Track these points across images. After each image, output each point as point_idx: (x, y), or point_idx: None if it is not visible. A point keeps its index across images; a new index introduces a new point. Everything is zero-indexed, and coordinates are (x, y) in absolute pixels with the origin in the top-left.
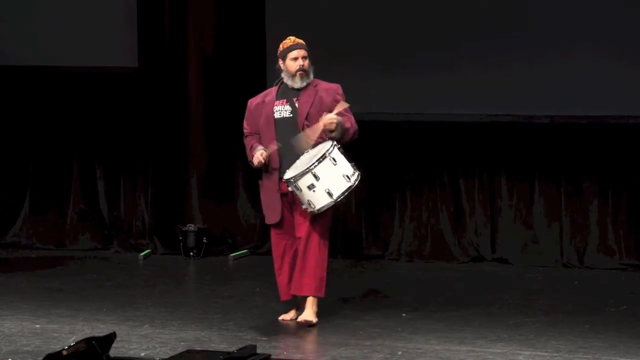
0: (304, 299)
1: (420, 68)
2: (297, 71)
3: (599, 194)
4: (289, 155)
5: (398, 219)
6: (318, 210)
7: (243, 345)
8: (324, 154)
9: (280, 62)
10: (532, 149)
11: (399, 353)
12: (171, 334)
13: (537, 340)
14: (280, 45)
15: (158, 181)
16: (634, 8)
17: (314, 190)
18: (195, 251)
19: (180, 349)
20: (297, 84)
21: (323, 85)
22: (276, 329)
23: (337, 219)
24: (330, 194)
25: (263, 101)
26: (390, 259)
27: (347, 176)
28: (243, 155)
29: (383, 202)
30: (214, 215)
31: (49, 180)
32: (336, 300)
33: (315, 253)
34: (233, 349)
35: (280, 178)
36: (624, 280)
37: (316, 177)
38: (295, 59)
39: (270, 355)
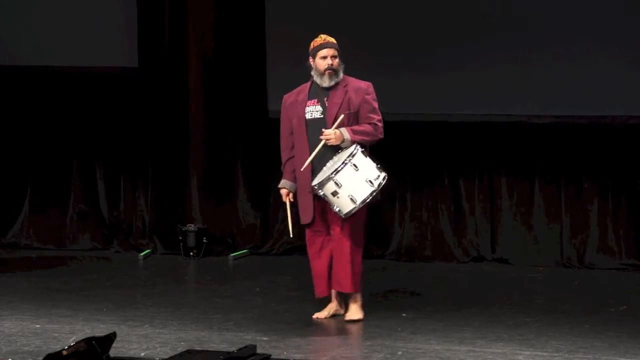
0: (340, 295)
1: (420, 68)
2: (325, 70)
3: (599, 194)
4: (321, 158)
5: (398, 219)
6: (345, 215)
7: (243, 345)
8: (345, 160)
9: (311, 59)
10: (532, 149)
11: (399, 353)
12: (171, 334)
13: (537, 340)
14: (311, 43)
15: (158, 181)
16: (634, 8)
17: (338, 197)
18: (195, 251)
19: (180, 349)
20: (326, 82)
21: (353, 84)
22: (276, 329)
23: None
24: (353, 200)
25: (296, 100)
26: (390, 259)
27: (370, 181)
28: (243, 155)
29: (383, 202)
30: (214, 215)
31: (49, 180)
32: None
33: (350, 251)
34: (233, 349)
35: (312, 180)
36: (624, 280)
37: (338, 184)
38: (325, 57)
39: (270, 355)
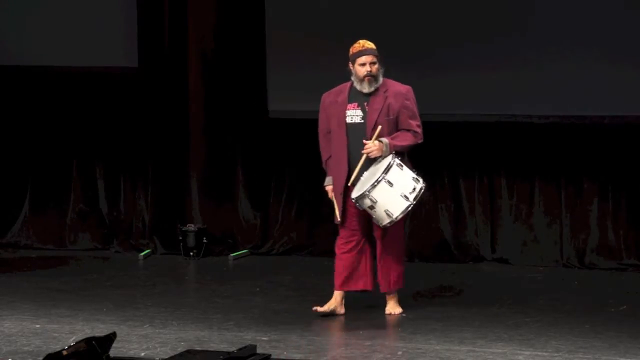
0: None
1: (419, 68)
2: (364, 77)
3: (599, 194)
4: (358, 161)
5: None
6: (383, 226)
7: (243, 345)
8: (378, 178)
9: (350, 65)
10: (532, 149)
11: (399, 353)
12: (171, 334)
13: (537, 340)
14: (350, 49)
15: (158, 181)
16: (634, 9)
17: (374, 210)
18: (195, 251)
19: (180, 349)
20: (366, 89)
21: (393, 88)
22: (276, 329)
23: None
24: (389, 215)
25: (336, 100)
26: None
27: (406, 196)
28: (243, 155)
29: None
30: (214, 215)
31: (49, 180)
32: None
33: (392, 251)
34: (233, 349)
35: (347, 183)
36: (624, 280)
37: (373, 200)
38: (363, 64)
39: (270, 355)
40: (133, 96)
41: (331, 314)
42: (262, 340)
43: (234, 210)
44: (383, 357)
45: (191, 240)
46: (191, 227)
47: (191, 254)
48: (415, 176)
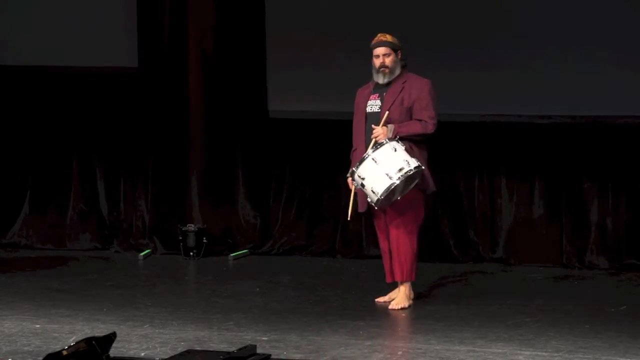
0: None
1: (419, 68)
2: (379, 68)
3: (599, 194)
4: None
5: None
6: (374, 205)
7: (243, 345)
8: (366, 154)
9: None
10: (532, 149)
11: (399, 353)
12: (171, 334)
13: (537, 340)
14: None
15: (158, 181)
16: (634, 9)
17: (365, 188)
18: (195, 251)
19: (180, 349)
20: (380, 79)
21: (412, 80)
22: (276, 329)
23: (337, 219)
24: (375, 192)
25: (364, 93)
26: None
27: (390, 175)
28: (243, 155)
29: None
30: (214, 215)
31: (49, 180)
32: (336, 299)
33: (403, 242)
34: (233, 349)
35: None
36: (624, 280)
37: (361, 177)
38: (377, 56)
39: (270, 355)
40: (133, 96)
41: (394, 307)
42: (262, 340)
43: (234, 210)
44: (383, 357)
45: (191, 240)
46: (191, 227)
47: (191, 254)
48: (407, 159)
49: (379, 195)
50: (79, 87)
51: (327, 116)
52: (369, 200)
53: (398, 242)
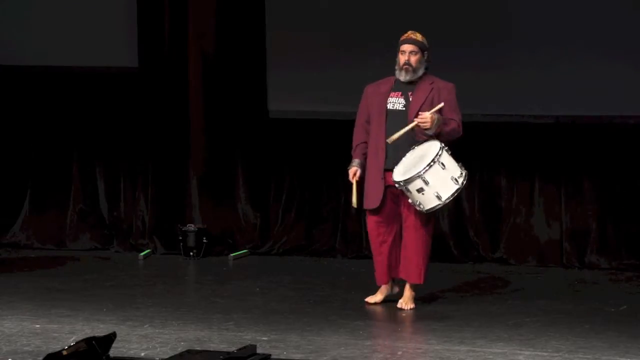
0: (402, 283)
1: None
2: (402, 65)
3: (599, 194)
4: (395, 147)
5: None
6: (427, 210)
7: (243, 345)
8: (434, 159)
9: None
10: (532, 149)
11: (399, 353)
12: (171, 334)
13: (537, 340)
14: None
15: (158, 181)
16: (634, 8)
17: (423, 193)
18: (195, 251)
19: (180, 349)
20: (402, 77)
21: (439, 83)
22: (276, 329)
23: (337, 219)
24: (439, 197)
25: (378, 90)
26: None
27: (455, 179)
28: (243, 155)
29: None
30: (214, 215)
31: (49, 180)
32: (336, 299)
33: (419, 243)
34: (233, 349)
35: (386, 169)
36: (624, 280)
37: (426, 182)
38: (403, 52)
39: (270, 355)
40: (133, 96)
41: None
42: (262, 340)
43: (234, 210)
44: (383, 357)
45: (191, 240)
46: (191, 227)
47: (191, 254)
48: (460, 164)
49: (442, 200)
50: (79, 87)
51: (327, 116)
52: (418, 205)
53: (417, 244)
